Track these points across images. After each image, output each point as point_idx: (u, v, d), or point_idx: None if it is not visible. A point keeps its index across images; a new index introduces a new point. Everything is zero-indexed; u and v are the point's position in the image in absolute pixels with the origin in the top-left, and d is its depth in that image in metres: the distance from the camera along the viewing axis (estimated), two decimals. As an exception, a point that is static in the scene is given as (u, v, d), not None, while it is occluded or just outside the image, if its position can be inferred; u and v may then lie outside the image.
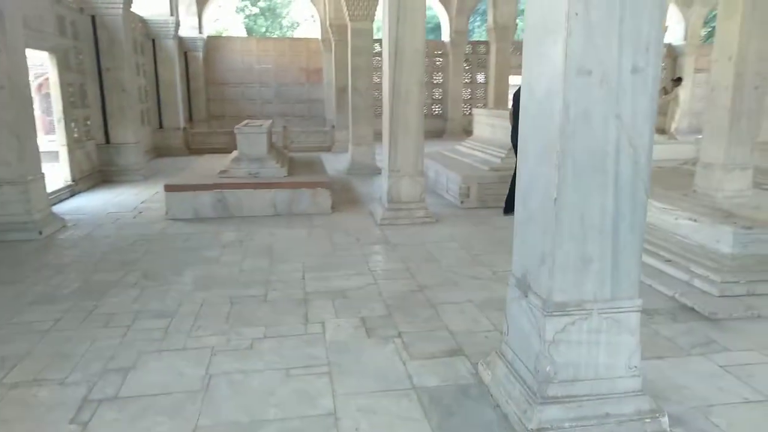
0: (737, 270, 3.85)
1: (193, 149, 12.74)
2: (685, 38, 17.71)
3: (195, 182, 6.41)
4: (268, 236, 5.52)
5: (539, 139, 2.33)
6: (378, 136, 11.12)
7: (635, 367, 2.39)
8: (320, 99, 16.63)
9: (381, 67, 16.88)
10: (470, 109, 18.16)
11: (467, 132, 17.87)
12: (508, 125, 7.46)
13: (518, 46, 17.43)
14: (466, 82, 17.72)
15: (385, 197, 6.09)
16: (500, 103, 13.52)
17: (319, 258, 4.80)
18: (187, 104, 14.25)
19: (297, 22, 30.76)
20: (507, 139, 7.44)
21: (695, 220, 4.30)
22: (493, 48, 13.46)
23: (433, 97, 17.52)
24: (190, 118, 14.40)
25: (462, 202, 6.80)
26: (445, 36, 17.01)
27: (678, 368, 2.86)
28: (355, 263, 4.65)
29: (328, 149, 13.13)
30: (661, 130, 12.27)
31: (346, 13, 9.07)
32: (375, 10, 9.17)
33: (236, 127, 6.97)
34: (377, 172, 9.55)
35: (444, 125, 17.29)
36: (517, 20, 14.26)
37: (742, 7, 6.19)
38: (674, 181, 7.68)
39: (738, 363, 2.90)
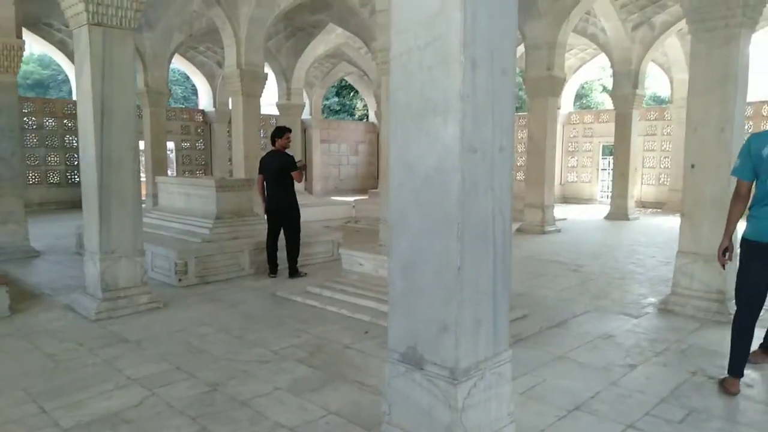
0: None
1: None
2: (311, 113, 20.20)
3: None
4: (-68, 363, 3.83)
5: (429, 212, 2.39)
6: (31, 211, 9.07)
7: (512, 413, 2.63)
8: None
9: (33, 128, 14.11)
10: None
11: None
12: (206, 194, 7.19)
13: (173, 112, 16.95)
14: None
15: (97, 285, 4.99)
16: (159, 169, 12.74)
17: (45, 379, 3.59)
18: None
19: None
20: (206, 208, 7.13)
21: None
22: (146, 112, 12.66)
23: (68, 164, 15.28)
24: None
25: (180, 280, 6.12)
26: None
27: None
28: (104, 375, 3.66)
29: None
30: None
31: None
32: (19, 61, 7.58)
33: None
34: (33, 255, 7.78)
35: (84, 194, 15.18)
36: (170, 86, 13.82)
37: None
38: (355, 237, 8.62)
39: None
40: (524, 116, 16.63)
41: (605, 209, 14.12)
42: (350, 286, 5.47)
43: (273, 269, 6.58)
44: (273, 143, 6.50)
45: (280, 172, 6.36)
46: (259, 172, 6.59)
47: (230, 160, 17.84)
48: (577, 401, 3.22)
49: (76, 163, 15.25)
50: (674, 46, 14.25)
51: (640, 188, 16.09)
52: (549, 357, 3.94)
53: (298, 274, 6.57)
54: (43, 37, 13.67)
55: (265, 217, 6.58)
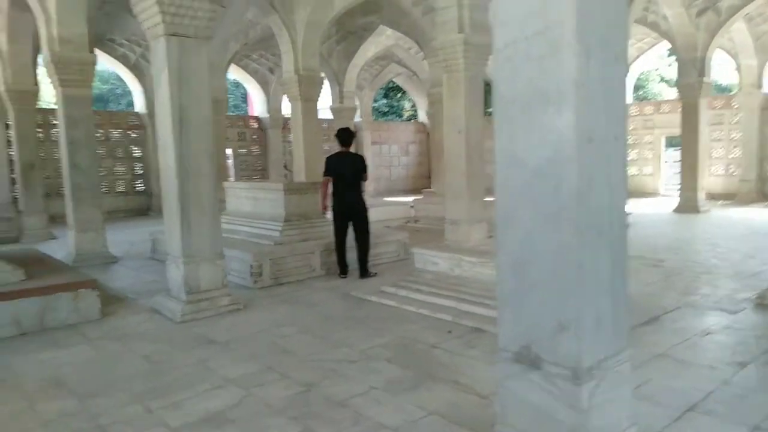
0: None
1: None
2: (362, 115, 20.26)
3: None
4: (38, 366, 4.00)
5: (541, 206, 2.30)
6: (108, 218, 9.46)
7: (633, 414, 2.51)
8: (-20, 179, 13.31)
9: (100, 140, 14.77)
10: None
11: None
12: (274, 197, 7.27)
13: (228, 120, 17.26)
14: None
15: (180, 288, 5.12)
16: (220, 176, 12.99)
17: (145, 380, 3.69)
18: None
19: None
20: (274, 211, 7.22)
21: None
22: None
23: (133, 173, 15.86)
24: None
25: (255, 282, 6.22)
26: (140, 107, 15.74)
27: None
28: (199, 375, 3.73)
29: (15, 240, 10.45)
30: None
31: (57, 79, 7.52)
32: (93, 75, 7.89)
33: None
34: (112, 261, 8.07)
35: (149, 202, 15.75)
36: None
37: (464, 91, 7.47)
38: (417, 236, 8.53)
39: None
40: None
41: (671, 202, 13.58)
42: (425, 285, 5.41)
43: (343, 270, 6.60)
44: (344, 144, 6.51)
45: (356, 173, 6.41)
46: (327, 174, 6.51)
47: (285, 165, 18.25)
48: (690, 401, 3.06)
49: (140, 172, 15.85)
50: (741, 30, 13.59)
51: (707, 179, 15.37)
52: (648, 355, 3.77)
53: (369, 274, 6.57)
54: (107, 53, 14.23)
55: (332, 218, 6.56)
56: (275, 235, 6.94)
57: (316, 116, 10.61)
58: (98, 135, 15.19)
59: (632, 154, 17.72)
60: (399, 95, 29.07)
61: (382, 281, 6.26)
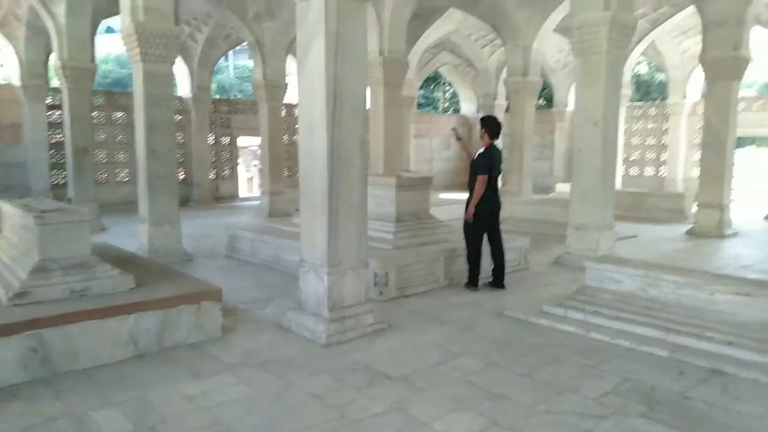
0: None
1: None
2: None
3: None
4: (188, 405, 3.12)
5: None
6: (183, 210, 8.57)
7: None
8: (18, 163, 12.51)
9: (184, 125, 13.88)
10: (216, 172, 16.14)
11: (217, 198, 15.81)
12: (383, 194, 6.32)
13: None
14: (210, 144, 15.77)
15: (322, 303, 4.21)
16: (276, 168, 12.06)
17: (332, 426, 2.81)
18: None
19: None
20: (383, 210, 6.28)
21: (747, 295, 3.93)
22: (264, 107, 12.02)
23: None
24: None
25: (381, 293, 5.32)
26: (184, 91, 14.82)
27: None
28: (411, 430, 2.84)
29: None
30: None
31: (138, 52, 6.58)
32: (175, 50, 6.96)
33: (35, 213, 4.08)
34: (187, 258, 7.19)
35: (189, 191, 14.87)
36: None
37: (604, 77, 6.52)
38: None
39: None
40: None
41: (761, 209, 12.61)
42: (606, 308, 4.50)
43: (476, 281, 5.67)
44: (494, 137, 5.54)
45: (500, 171, 5.51)
46: (486, 171, 5.43)
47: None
48: None
49: (181, 160, 14.87)
50: None
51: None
52: None
53: (504, 286, 5.68)
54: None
55: (472, 221, 5.57)
56: (388, 237, 6.04)
57: (399, 103, 9.71)
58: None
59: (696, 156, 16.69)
60: (433, 86, 28.09)
61: (521, 296, 5.40)
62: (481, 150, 5.53)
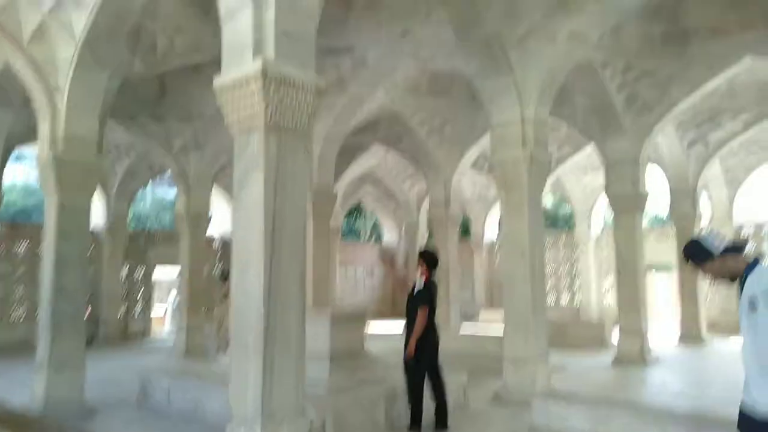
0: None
1: None
2: (332, 236, 19.41)
3: None
4: None
5: None
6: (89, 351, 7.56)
7: None
8: None
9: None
10: (127, 308, 14.98)
11: (127, 336, 14.53)
12: (314, 329, 6.00)
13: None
14: (123, 277, 14.85)
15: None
16: (195, 302, 11.41)
17: None
18: None
19: None
20: (316, 347, 5.91)
21: None
22: (185, 237, 11.61)
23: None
24: None
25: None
26: (99, 222, 14.14)
27: None
28: None
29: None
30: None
31: (54, 183, 6.17)
32: (95, 183, 6.64)
33: None
34: (89, 413, 6.27)
35: (95, 330, 13.65)
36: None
37: (527, 209, 6.86)
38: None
39: None
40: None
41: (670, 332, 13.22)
42: (559, 449, 4.28)
43: (419, 424, 5.28)
44: (431, 269, 5.48)
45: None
46: (429, 303, 5.30)
47: (223, 272, 16.50)
48: None
49: (90, 293, 13.76)
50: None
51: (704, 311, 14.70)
52: None
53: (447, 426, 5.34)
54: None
55: (410, 358, 5.30)
56: (322, 377, 5.62)
57: (329, 235, 9.67)
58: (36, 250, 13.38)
59: (606, 284, 17.65)
60: (356, 216, 28.73)
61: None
62: (421, 284, 5.43)
